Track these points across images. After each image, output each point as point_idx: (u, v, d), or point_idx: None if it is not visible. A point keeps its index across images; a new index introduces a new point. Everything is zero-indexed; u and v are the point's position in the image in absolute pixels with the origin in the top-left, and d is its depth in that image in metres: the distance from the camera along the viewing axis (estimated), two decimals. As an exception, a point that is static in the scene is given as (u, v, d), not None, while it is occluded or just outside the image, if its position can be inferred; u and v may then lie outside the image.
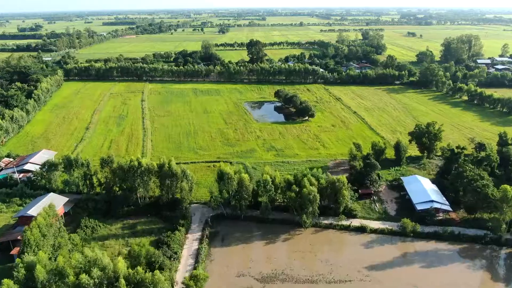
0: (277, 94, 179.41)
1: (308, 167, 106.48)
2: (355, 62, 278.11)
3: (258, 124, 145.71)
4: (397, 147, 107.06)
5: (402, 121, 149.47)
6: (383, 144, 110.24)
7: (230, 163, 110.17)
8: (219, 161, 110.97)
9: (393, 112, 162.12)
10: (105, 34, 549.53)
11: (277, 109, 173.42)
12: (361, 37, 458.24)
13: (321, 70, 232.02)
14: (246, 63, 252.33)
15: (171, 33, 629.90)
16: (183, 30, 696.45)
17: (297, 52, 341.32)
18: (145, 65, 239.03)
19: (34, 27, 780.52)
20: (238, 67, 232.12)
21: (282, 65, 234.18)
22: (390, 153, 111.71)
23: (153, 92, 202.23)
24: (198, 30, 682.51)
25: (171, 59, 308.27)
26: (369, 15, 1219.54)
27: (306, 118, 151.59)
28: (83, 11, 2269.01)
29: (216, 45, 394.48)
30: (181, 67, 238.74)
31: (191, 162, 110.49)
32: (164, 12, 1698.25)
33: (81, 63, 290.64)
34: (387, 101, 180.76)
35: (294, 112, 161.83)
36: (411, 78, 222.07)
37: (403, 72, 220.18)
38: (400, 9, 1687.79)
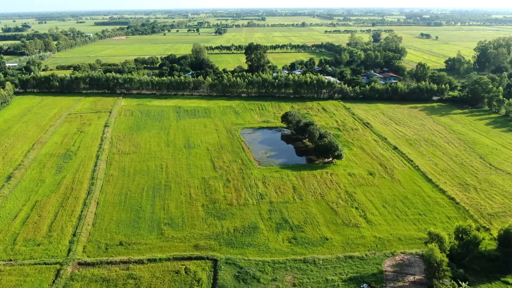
0: (285, 118, 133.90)
1: (351, 274, 60.93)
2: (376, 70, 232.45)
3: (260, 171, 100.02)
4: (507, 239, 61.37)
5: (468, 163, 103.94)
6: (476, 232, 64.59)
7: (215, 261, 64.66)
8: (195, 258, 65.47)
9: (447, 147, 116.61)
10: (91, 35, 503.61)
11: (285, 139, 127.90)
12: (371, 39, 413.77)
13: (338, 82, 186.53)
14: (244, 72, 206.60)
15: (164, 34, 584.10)
16: (177, 31, 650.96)
17: (303, 57, 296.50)
18: (118, 75, 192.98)
19: (20, 27, 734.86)
20: (234, 78, 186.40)
21: (290, 75, 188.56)
22: (482, 236, 66.11)
23: (124, 112, 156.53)
24: (193, 30, 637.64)
25: (156, 65, 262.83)
26: (372, 15, 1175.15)
27: (330, 159, 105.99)
28: (80, 11, 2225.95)
29: (211, 48, 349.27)
30: (164, 78, 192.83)
31: (149, 260, 64.79)
32: (162, 12, 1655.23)
33: (48, 70, 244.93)
34: (432, 127, 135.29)
35: (311, 148, 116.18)
36: (451, 93, 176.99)
37: (443, 85, 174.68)
38: (402, 9, 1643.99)
